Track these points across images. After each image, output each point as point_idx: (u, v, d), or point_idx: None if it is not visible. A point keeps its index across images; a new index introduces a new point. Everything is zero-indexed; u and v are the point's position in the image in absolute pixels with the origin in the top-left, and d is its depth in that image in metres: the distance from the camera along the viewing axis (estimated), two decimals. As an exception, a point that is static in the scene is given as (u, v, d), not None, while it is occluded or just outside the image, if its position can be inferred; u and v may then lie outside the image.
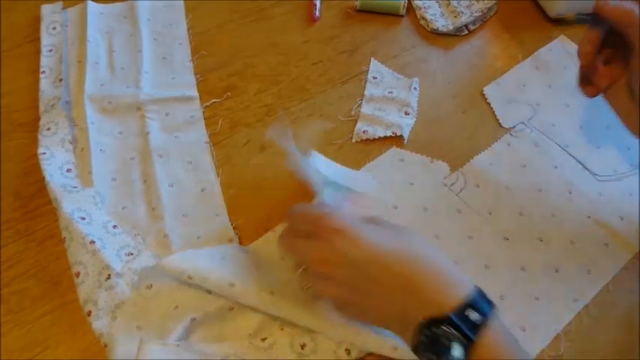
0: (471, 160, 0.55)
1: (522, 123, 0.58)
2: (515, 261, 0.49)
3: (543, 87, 0.62)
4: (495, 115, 0.59)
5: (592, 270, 0.48)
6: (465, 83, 0.62)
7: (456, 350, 0.34)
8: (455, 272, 0.38)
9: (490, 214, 0.51)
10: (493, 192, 0.53)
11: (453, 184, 0.53)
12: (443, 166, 0.55)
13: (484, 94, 0.61)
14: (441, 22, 0.67)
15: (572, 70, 0.63)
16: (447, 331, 0.34)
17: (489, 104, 0.60)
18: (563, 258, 0.49)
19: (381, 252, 0.38)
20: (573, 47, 0.66)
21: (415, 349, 0.36)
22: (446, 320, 0.34)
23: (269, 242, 0.49)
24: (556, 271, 0.48)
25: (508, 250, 0.49)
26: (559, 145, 0.56)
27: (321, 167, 0.50)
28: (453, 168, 0.55)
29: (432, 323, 0.35)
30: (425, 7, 0.69)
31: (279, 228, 0.49)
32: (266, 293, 0.42)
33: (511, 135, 0.58)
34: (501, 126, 0.58)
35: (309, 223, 0.41)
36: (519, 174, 0.55)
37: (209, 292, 0.44)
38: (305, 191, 0.52)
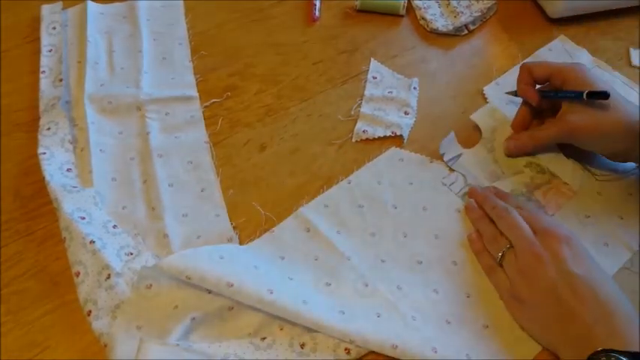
0: (470, 160, 0.55)
1: None
2: None
3: None
4: (495, 115, 0.59)
5: None
6: (464, 83, 0.62)
7: None
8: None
9: None
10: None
11: (452, 184, 0.53)
12: (442, 166, 0.55)
13: (484, 94, 0.61)
14: (441, 22, 0.67)
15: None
16: None
17: (489, 104, 0.60)
18: None
19: (594, 273, 0.42)
20: (573, 47, 0.66)
21: None
22: (626, 356, 0.36)
23: (268, 242, 0.49)
24: None
25: None
26: (558, 145, 0.56)
27: None
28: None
29: (613, 354, 0.37)
30: (425, 7, 0.69)
31: (278, 229, 0.49)
32: (265, 292, 0.42)
33: None
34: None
35: (531, 221, 0.46)
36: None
37: (209, 291, 0.43)
38: (303, 190, 0.52)
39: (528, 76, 0.54)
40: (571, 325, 0.40)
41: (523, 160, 0.55)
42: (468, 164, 0.54)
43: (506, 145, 0.55)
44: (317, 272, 0.47)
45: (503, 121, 0.57)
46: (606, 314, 0.39)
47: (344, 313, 0.44)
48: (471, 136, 0.57)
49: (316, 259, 0.48)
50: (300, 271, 0.47)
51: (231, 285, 0.42)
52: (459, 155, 0.55)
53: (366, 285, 0.46)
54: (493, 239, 0.47)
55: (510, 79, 0.62)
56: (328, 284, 0.46)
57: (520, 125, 0.56)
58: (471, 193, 0.52)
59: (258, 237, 0.49)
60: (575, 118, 0.50)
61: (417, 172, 0.54)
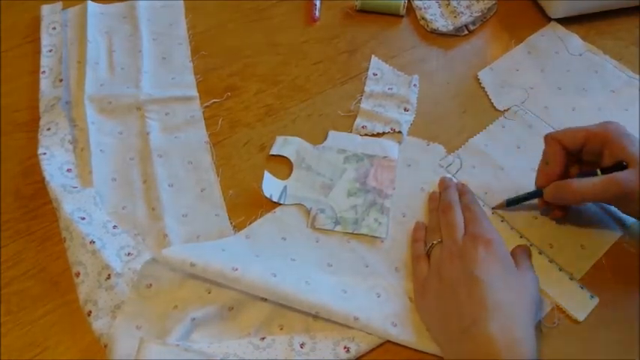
0: (467, 143, 0.56)
1: (516, 106, 0.60)
2: (512, 238, 0.49)
3: (536, 71, 0.63)
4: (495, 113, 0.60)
5: (585, 245, 0.49)
6: (464, 83, 0.62)
7: None
8: (529, 340, 0.39)
9: (486, 193, 0.52)
10: (488, 172, 0.54)
11: (449, 166, 0.54)
12: (439, 149, 0.56)
13: (478, 79, 0.62)
14: (441, 22, 0.67)
15: (563, 54, 0.65)
16: None
17: (484, 89, 0.61)
18: (558, 234, 0.50)
19: (496, 282, 0.41)
20: (564, 32, 0.67)
21: None
22: None
23: (270, 222, 0.50)
24: (550, 247, 0.49)
25: (506, 228, 0.50)
26: (552, 127, 0.57)
27: (341, 143, 0.55)
28: (450, 150, 0.56)
29: None
30: (425, 7, 0.69)
31: (280, 210, 0.50)
32: (269, 276, 0.43)
33: (505, 117, 0.59)
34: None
35: (469, 223, 0.46)
36: (514, 155, 0.56)
37: (209, 291, 0.44)
38: (305, 191, 0.52)
39: (558, 146, 0.47)
40: (453, 321, 0.40)
41: (341, 158, 0.54)
42: (297, 190, 0.52)
43: (551, 194, 0.47)
44: (318, 253, 0.48)
45: (298, 141, 0.55)
46: (483, 320, 0.39)
47: (346, 292, 0.45)
48: (471, 136, 0.57)
49: (317, 241, 0.49)
50: (302, 252, 0.48)
51: (236, 269, 0.42)
52: (285, 188, 0.52)
53: (366, 266, 0.47)
54: (432, 231, 0.48)
55: (504, 64, 0.63)
56: (330, 265, 0.47)
57: (548, 180, 0.48)
58: (440, 183, 0.52)
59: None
60: (628, 177, 0.43)
61: (415, 154, 0.55)
